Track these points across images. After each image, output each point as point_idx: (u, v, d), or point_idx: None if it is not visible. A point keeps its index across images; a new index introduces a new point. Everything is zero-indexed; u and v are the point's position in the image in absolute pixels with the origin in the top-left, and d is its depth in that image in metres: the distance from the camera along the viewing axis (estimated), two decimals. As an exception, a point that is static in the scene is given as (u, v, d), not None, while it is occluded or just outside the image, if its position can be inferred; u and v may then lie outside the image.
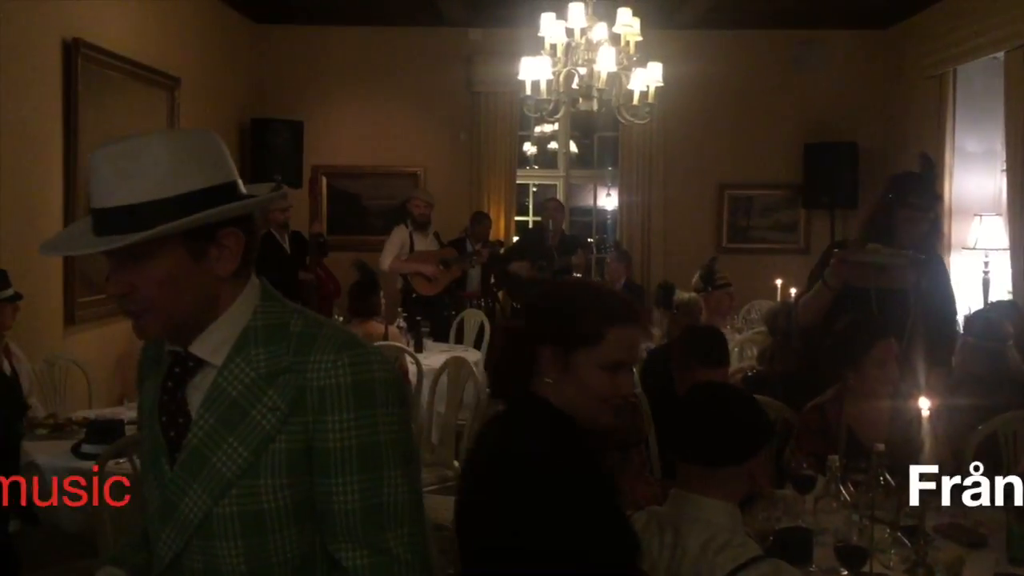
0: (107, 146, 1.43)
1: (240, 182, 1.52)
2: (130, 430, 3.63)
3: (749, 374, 4.36)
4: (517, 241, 8.68)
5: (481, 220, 8.16)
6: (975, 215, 7.13)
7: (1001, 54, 6.63)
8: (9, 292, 4.07)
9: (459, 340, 7.33)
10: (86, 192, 4.99)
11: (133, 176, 1.40)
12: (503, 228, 8.84)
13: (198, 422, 1.47)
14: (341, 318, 6.36)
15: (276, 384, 1.44)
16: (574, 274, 7.61)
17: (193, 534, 1.45)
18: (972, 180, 7.34)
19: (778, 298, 7.20)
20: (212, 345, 1.48)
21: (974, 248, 7.06)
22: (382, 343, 5.41)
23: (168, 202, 1.40)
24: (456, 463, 4.93)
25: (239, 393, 1.45)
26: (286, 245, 7.80)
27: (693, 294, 5.56)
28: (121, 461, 3.18)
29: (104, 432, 3.54)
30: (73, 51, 5.35)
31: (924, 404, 2.56)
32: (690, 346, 3.39)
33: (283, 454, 1.42)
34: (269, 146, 8.28)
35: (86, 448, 3.52)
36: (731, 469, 1.96)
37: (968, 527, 2.70)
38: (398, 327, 6.12)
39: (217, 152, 1.50)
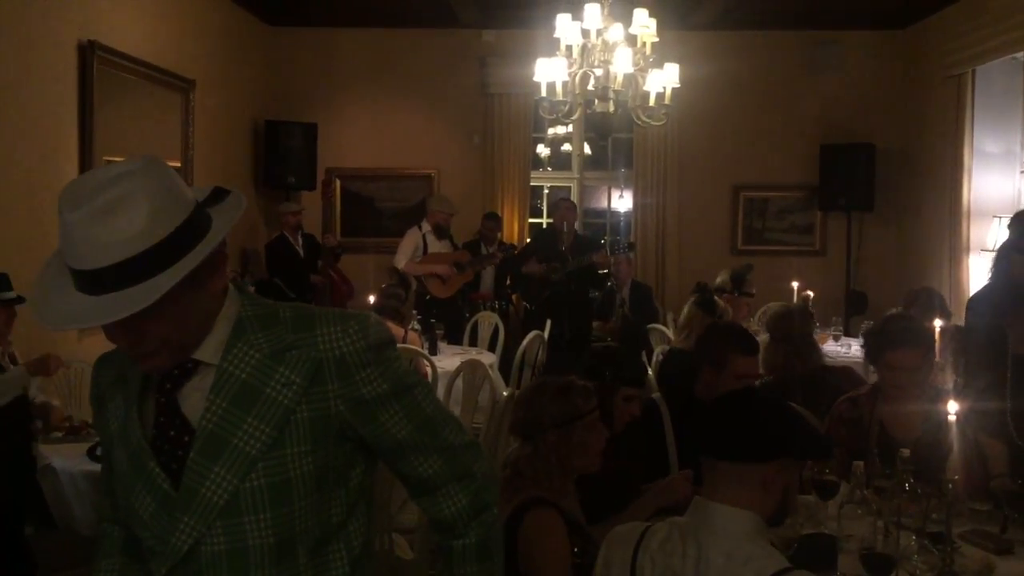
0: (80, 206, 1.38)
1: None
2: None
3: (766, 382, 4.31)
4: (529, 242, 8.66)
5: (490, 220, 8.16)
6: (993, 216, 7.07)
7: (1021, 54, 6.58)
8: (9, 295, 3.99)
9: (473, 342, 7.31)
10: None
11: (119, 230, 1.38)
12: (516, 230, 8.83)
13: (210, 407, 1.50)
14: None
15: (285, 360, 1.51)
16: (599, 272, 7.54)
17: (217, 516, 1.49)
18: (990, 181, 7.28)
19: (794, 300, 7.14)
20: (211, 347, 1.53)
21: (992, 250, 6.98)
22: (398, 346, 5.38)
23: (161, 246, 1.40)
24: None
25: (248, 375, 1.51)
26: (299, 248, 7.82)
27: (720, 302, 5.50)
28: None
29: (120, 435, 3.52)
30: (88, 53, 5.35)
31: (951, 408, 2.51)
32: (725, 340, 3.44)
33: (306, 423, 1.51)
34: (283, 148, 8.30)
35: (102, 451, 3.50)
36: (766, 467, 1.90)
37: (995, 533, 2.66)
38: (413, 329, 6.10)
39: (177, 178, 1.49)
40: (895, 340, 3.19)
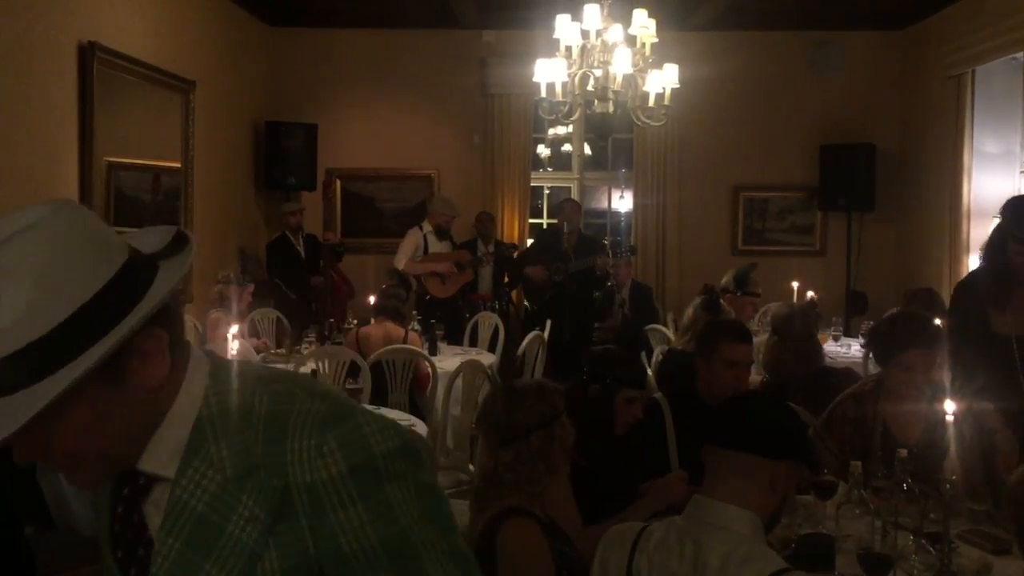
0: None
1: (133, 246, 1.15)
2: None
3: (766, 382, 4.32)
4: (532, 243, 8.68)
5: (482, 219, 8.23)
6: (994, 217, 7.01)
7: (1020, 55, 6.58)
8: None
9: (473, 343, 7.32)
10: (101, 195, 4.96)
11: (1, 312, 1.02)
12: (517, 230, 8.84)
13: (160, 550, 1.14)
14: (356, 320, 6.35)
15: (249, 486, 1.12)
16: (597, 274, 7.52)
17: None
18: (990, 181, 7.28)
19: (794, 301, 7.14)
20: (164, 455, 1.15)
21: (993, 249, 6.99)
22: (398, 346, 5.41)
23: (60, 331, 1.03)
24: (471, 466, 4.91)
25: (206, 505, 1.13)
26: (300, 248, 7.83)
27: (724, 304, 5.50)
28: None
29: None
30: (89, 54, 5.36)
31: (949, 408, 2.52)
32: (715, 328, 3.51)
33: (277, 573, 1.12)
34: (283, 149, 8.31)
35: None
36: (778, 465, 1.91)
37: (993, 533, 2.67)
38: (413, 330, 6.11)
39: (95, 230, 1.10)
40: (913, 340, 3.14)
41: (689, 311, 5.06)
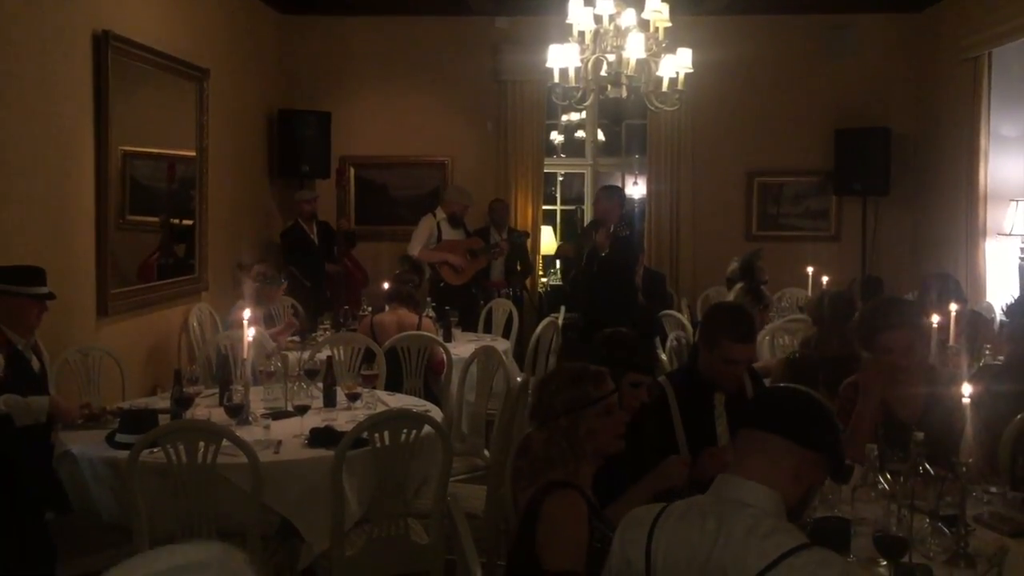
0: None
1: None
2: (163, 419, 3.66)
3: (795, 356, 4.33)
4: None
5: (496, 207, 8.24)
6: (1011, 200, 7.02)
7: (1038, 36, 6.51)
8: (43, 290, 4.02)
9: (487, 329, 7.33)
10: (117, 185, 4.96)
11: None
12: (530, 217, 8.83)
13: None
14: (370, 308, 6.37)
15: None
16: (601, 253, 7.35)
17: None
18: (1008, 165, 7.23)
19: (809, 286, 7.12)
20: None
21: (1010, 234, 6.95)
22: (413, 332, 5.42)
23: None
24: (486, 452, 4.92)
25: None
26: (314, 236, 7.86)
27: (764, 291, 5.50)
28: (155, 450, 3.21)
29: (138, 422, 3.56)
30: (103, 43, 5.37)
31: (965, 391, 2.51)
32: (719, 322, 3.37)
33: None
34: (297, 137, 8.33)
35: (120, 437, 3.54)
36: (806, 454, 1.94)
37: (1009, 516, 2.66)
38: (427, 316, 6.13)
39: None
40: (885, 323, 3.21)
41: (731, 297, 5.06)
